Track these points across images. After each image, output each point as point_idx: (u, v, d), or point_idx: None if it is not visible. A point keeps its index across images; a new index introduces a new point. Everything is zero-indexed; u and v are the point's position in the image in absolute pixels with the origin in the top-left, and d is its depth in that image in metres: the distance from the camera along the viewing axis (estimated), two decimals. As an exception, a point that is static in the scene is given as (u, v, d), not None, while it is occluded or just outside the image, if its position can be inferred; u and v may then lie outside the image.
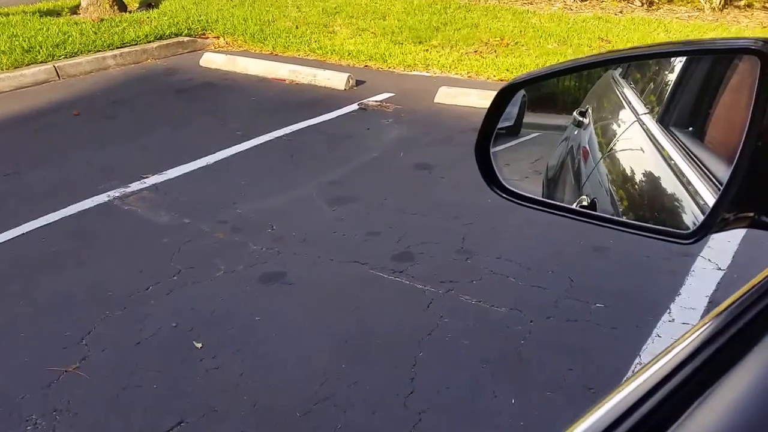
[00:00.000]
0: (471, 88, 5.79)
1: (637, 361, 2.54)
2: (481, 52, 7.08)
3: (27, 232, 3.52)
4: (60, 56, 6.50)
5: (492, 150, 1.08)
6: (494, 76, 6.32)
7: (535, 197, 1.04)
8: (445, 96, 5.75)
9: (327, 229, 3.58)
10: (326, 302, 2.94)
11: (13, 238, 3.46)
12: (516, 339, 2.68)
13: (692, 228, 0.85)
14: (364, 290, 3.02)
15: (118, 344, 2.63)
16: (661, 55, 1.04)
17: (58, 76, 6.30)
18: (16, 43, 6.58)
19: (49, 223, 3.62)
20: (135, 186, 4.07)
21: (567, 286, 3.04)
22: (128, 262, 3.24)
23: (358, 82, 6.25)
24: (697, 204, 0.89)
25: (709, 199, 0.85)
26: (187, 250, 3.35)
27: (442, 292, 3.00)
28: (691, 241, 0.78)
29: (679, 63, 1.07)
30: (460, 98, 5.68)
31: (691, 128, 1.03)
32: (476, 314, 2.83)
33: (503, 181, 1.02)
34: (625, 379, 0.57)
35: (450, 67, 6.64)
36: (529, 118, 1.25)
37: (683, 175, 0.97)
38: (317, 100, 5.83)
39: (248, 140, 4.86)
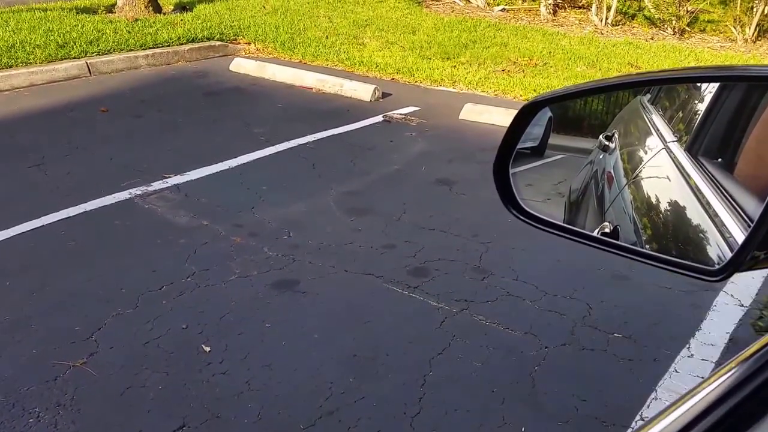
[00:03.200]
0: (497, 107, 5.75)
1: (652, 396, 2.46)
2: (508, 71, 7.06)
3: (47, 225, 3.55)
4: (93, 53, 6.61)
5: (515, 170, 1.05)
6: (521, 95, 6.28)
7: (554, 221, 1.00)
8: (470, 113, 5.73)
9: (343, 239, 3.56)
10: (338, 314, 2.91)
11: (33, 230, 3.49)
12: (529, 365, 2.62)
13: (718, 264, 0.81)
14: (376, 304, 2.99)
15: (126, 342, 2.63)
16: (690, 79, 1.00)
17: (90, 73, 6.40)
18: (51, 38, 6.71)
19: (70, 217, 3.66)
20: (157, 185, 4.10)
21: (585, 313, 2.97)
22: (144, 260, 3.25)
23: (384, 95, 6.25)
24: (724, 239, 0.85)
25: (738, 234, 0.81)
26: (203, 252, 3.35)
27: (456, 311, 2.95)
28: (717, 278, 0.74)
29: (709, 91, 1.03)
30: (485, 116, 5.65)
31: (720, 159, 0.99)
32: (490, 336, 2.78)
33: (521, 202, 0.98)
34: (648, 420, 0.53)
35: (477, 85, 6.62)
36: (555, 139, 1.22)
37: (711, 207, 0.93)
38: (342, 110, 5.84)
39: (272, 146, 4.87)
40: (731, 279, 2.97)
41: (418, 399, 2.40)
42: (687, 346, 2.77)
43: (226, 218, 3.73)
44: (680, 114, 1.16)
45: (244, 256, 3.33)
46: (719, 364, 2.63)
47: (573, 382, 2.54)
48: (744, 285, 3.19)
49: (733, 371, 0.60)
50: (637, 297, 3.15)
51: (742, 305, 3.07)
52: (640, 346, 2.75)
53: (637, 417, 2.36)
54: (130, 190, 4.00)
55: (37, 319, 2.75)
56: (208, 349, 2.61)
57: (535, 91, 6.27)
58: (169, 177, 4.22)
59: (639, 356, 2.69)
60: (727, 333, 2.86)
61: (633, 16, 10.00)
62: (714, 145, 1.02)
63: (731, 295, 3.13)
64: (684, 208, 1.06)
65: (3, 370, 2.44)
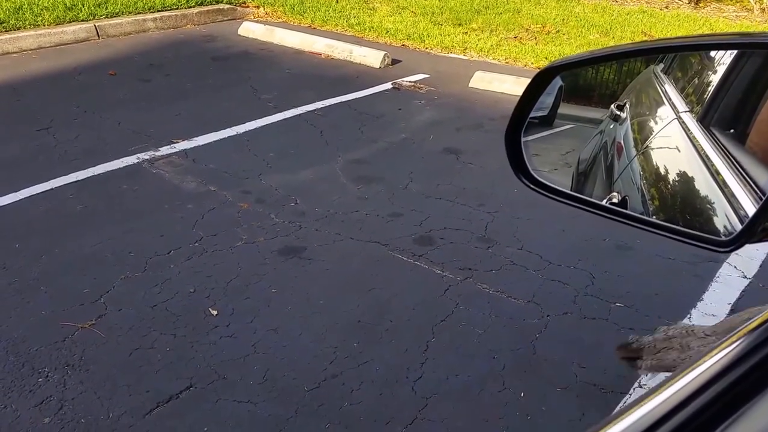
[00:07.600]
0: (507, 74, 5.68)
1: (654, 365, 2.48)
2: (521, 38, 6.95)
3: (56, 188, 3.57)
4: (101, 15, 6.55)
5: (524, 139, 1.04)
6: (532, 63, 6.20)
7: (565, 191, 0.99)
8: (481, 81, 5.66)
9: (350, 207, 3.57)
10: (343, 280, 2.93)
11: (41, 193, 3.51)
12: (531, 332, 2.64)
13: (727, 234, 0.80)
14: (381, 271, 3.01)
15: (135, 305, 2.66)
16: (708, 46, 0.98)
17: (98, 36, 6.35)
18: (59, -1, 6.64)
19: (78, 181, 3.67)
20: (165, 150, 4.10)
21: (588, 282, 2.98)
22: (152, 225, 3.27)
23: (394, 61, 6.18)
24: (734, 210, 0.85)
25: (749, 206, 0.80)
26: (210, 217, 3.36)
27: (461, 279, 2.96)
28: (728, 249, 0.74)
29: (723, 62, 1.02)
30: (496, 84, 5.58)
31: (732, 130, 0.98)
32: (493, 304, 2.80)
33: (532, 171, 0.98)
34: (649, 390, 0.54)
35: (488, 52, 6.52)
36: (565, 108, 1.21)
37: (721, 178, 0.92)
38: (351, 76, 5.78)
39: (279, 112, 4.85)
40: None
41: (420, 364, 2.43)
42: (688, 316, 2.78)
43: (233, 184, 3.73)
44: (693, 84, 1.14)
45: (251, 222, 3.34)
46: (722, 336, 2.64)
47: (573, 349, 2.56)
48: (748, 257, 3.19)
49: (737, 343, 0.60)
50: (641, 267, 3.15)
51: (746, 276, 3.07)
52: (641, 316, 2.77)
53: (636, 384, 2.38)
54: (138, 155, 4.01)
55: (46, 282, 2.79)
56: (215, 312, 2.65)
57: (546, 59, 6.18)
58: (177, 142, 4.21)
59: (640, 325, 2.71)
60: (729, 304, 2.87)
61: (649, -16, 9.77)
62: (727, 115, 1.01)
63: (735, 267, 3.13)
64: (694, 179, 1.05)
65: (13, 330, 2.48)
